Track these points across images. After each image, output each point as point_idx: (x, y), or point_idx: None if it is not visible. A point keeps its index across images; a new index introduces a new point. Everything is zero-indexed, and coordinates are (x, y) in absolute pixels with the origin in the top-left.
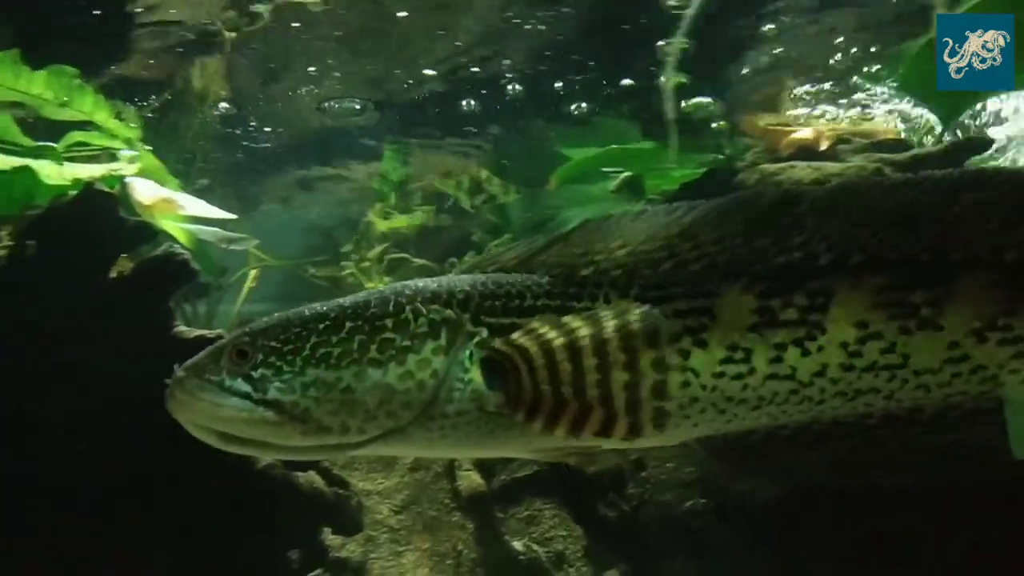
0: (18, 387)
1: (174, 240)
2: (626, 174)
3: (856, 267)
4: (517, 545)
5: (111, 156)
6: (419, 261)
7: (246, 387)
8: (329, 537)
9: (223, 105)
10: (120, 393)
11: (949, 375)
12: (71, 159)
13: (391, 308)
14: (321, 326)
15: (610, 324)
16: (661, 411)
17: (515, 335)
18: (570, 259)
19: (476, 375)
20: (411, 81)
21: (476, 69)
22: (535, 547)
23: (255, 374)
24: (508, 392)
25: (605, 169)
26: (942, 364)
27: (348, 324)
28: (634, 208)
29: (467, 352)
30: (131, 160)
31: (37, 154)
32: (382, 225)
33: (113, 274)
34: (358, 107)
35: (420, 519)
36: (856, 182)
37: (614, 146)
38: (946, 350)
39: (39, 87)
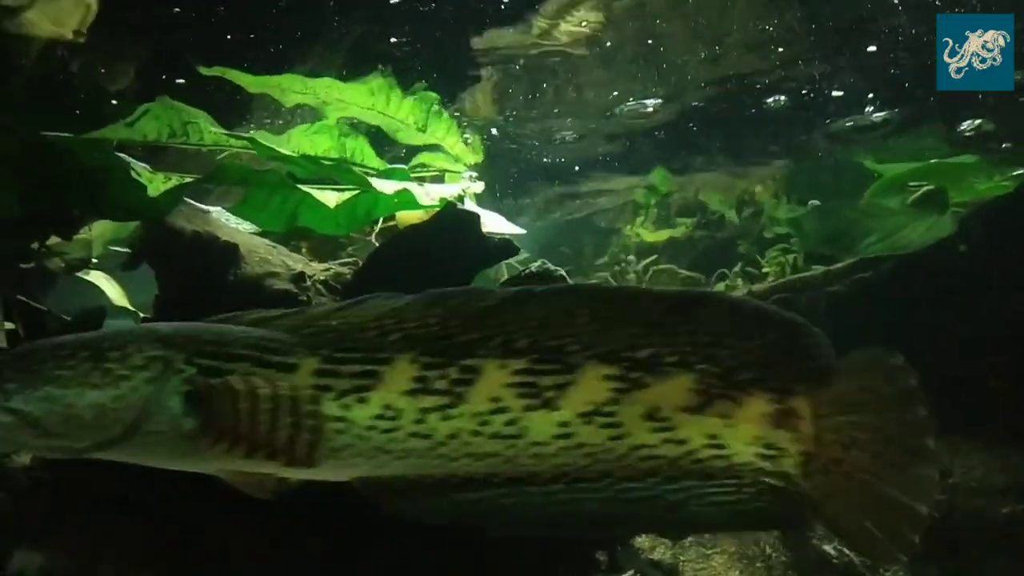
0: None
1: None
2: (927, 187)
3: (510, 352)
4: (828, 548)
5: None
6: (684, 272)
7: None
8: (637, 540)
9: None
10: None
11: (557, 448)
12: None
13: (118, 343)
14: (60, 353)
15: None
16: (313, 452)
17: (215, 381)
18: (294, 324)
19: (176, 404)
20: (680, 96)
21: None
22: (847, 551)
23: (6, 386)
24: (202, 421)
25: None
26: (552, 439)
27: (81, 354)
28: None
29: (172, 384)
30: (473, 180)
31: (387, 175)
32: (649, 236)
33: None
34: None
35: None
36: (527, 290)
37: (934, 160)
38: (557, 427)
39: (404, 112)
